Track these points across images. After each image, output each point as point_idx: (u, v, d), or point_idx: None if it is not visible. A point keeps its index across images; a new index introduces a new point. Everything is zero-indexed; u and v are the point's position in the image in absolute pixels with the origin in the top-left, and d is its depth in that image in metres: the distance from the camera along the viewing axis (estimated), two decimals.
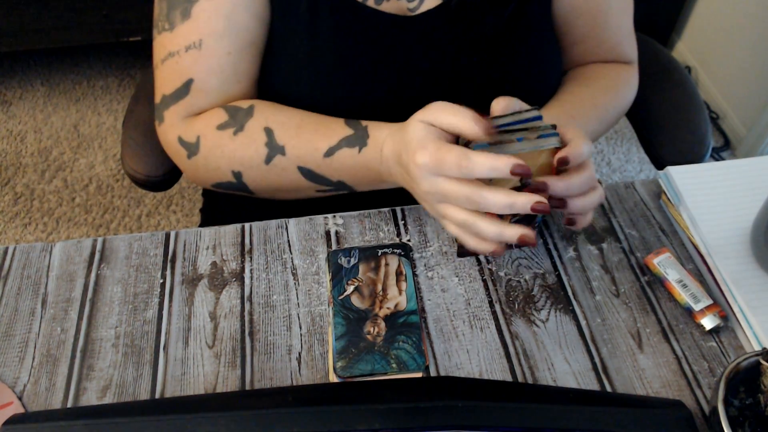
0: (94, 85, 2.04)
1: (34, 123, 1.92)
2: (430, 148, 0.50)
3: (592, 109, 0.69)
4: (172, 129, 0.66)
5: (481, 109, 0.68)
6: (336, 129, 0.61)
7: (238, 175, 0.64)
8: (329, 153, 0.60)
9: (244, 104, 0.65)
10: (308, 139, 0.61)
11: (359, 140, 0.60)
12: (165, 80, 0.65)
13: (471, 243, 0.53)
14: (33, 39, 1.84)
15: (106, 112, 1.95)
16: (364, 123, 0.61)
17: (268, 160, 0.62)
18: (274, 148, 0.62)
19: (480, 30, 0.66)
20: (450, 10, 0.65)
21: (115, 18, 1.82)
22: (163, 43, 0.64)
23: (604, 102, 0.71)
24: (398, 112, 0.68)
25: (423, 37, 0.66)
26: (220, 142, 0.63)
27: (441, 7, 0.65)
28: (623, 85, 0.75)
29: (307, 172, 0.62)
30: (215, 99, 0.65)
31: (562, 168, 0.52)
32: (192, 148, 0.65)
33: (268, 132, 0.62)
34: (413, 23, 0.65)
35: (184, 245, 0.65)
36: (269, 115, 0.63)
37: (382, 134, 0.59)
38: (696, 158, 0.80)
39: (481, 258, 0.64)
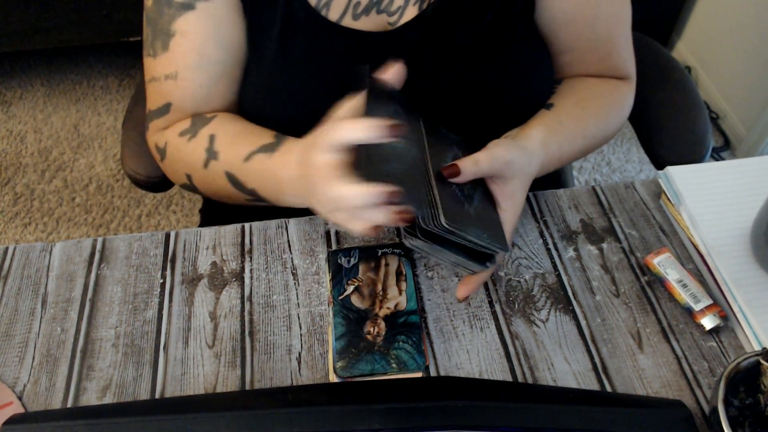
0: (94, 85, 2.04)
1: (34, 123, 1.92)
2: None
3: (581, 139, 0.68)
4: (152, 137, 0.71)
5: (464, 119, 0.68)
6: (262, 138, 0.63)
7: (189, 177, 0.68)
8: (248, 158, 0.62)
9: (210, 114, 0.68)
10: (238, 145, 0.63)
11: (273, 147, 0.61)
12: (150, 98, 0.70)
13: (358, 226, 0.50)
14: (33, 39, 1.84)
15: (106, 112, 1.95)
16: (288, 136, 0.62)
17: (206, 164, 0.65)
18: (211, 153, 0.64)
19: (456, 40, 0.65)
20: (426, 20, 0.64)
21: (115, 18, 1.82)
22: (148, 66, 0.69)
23: (594, 132, 0.70)
24: None
25: (400, 50, 0.65)
26: (179, 146, 0.67)
27: (417, 19, 0.65)
28: (616, 111, 0.73)
29: (231, 177, 0.64)
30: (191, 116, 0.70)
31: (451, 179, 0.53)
32: (162, 153, 0.70)
33: (211, 138, 0.65)
34: (389, 38, 0.65)
35: (184, 245, 0.65)
36: (221, 124, 0.66)
37: (293, 143, 0.59)
38: (696, 158, 0.80)
39: None
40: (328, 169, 0.49)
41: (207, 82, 0.67)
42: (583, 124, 0.68)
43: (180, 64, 0.65)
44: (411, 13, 0.65)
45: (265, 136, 0.63)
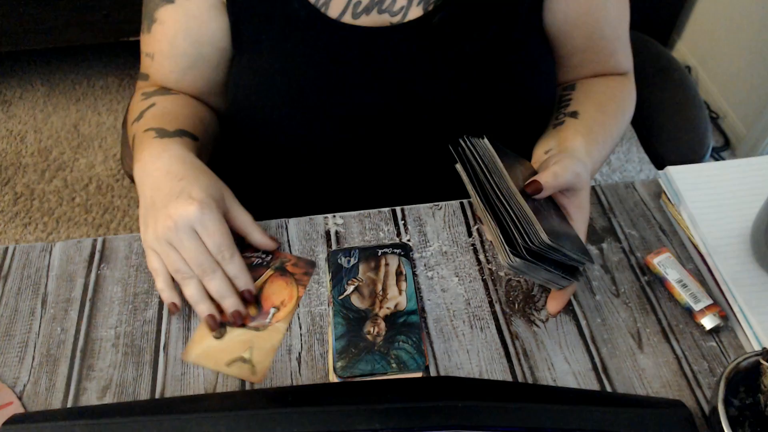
0: (94, 85, 2.04)
1: (34, 123, 1.92)
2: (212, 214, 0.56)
3: (610, 140, 0.69)
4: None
5: (463, 123, 0.68)
6: (164, 123, 0.65)
7: (127, 126, 0.73)
8: (149, 130, 0.65)
9: (175, 90, 0.72)
10: (152, 121, 0.66)
11: (164, 134, 0.64)
12: (140, 63, 0.75)
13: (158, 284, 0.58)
14: (33, 39, 1.84)
15: (106, 112, 1.95)
16: (174, 142, 0.63)
17: (135, 120, 0.68)
18: (141, 115, 0.68)
19: (461, 49, 0.65)
20: (431, 22, 0.64)
21: (115, 18, 1.82)
22: (140, 39, 0.74)
23: (617, 132, 0.71)
24: (376, 126, 0.68)
25: (402, 50, 0.65)
26: (134, 101, 0.72)
27: (422, 20, 0.65)
28: (629, 107, 0.74)
29: (133, 139, 0.67)
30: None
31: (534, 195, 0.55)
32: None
33: (151, 105, 0.69)
34: (390, 35, 0.65)
35: None
36: (168, 100, 0.70)
37: (176, 147, 0.61)
38: (696, 158, 0.80)
39: (481, 258, 0.64)
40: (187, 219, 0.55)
41: (175, 70, 0.71)
42: (608, 127, 0.69)
43: (156, 48, 0.70)
44: (415, 13, 0.65)
45: (174, 124, 0.65)
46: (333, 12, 0.64)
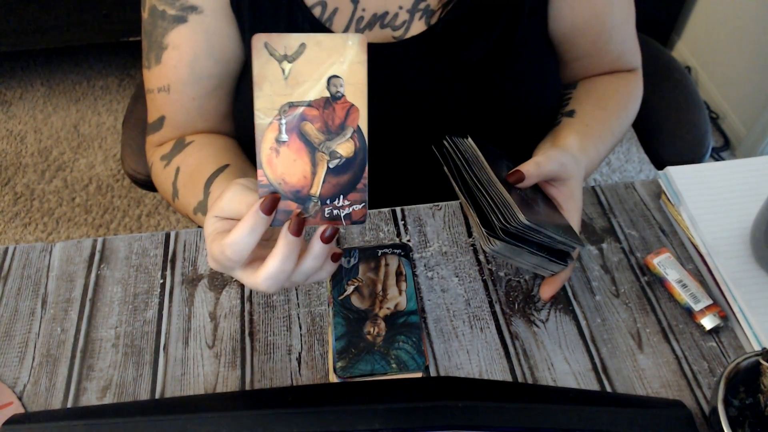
0: (94, 85, 2.04)
1: (34, 123, 1.92)
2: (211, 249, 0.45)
3: (610, 136, 0.69)
4: (148, 151, 0.73)
5: (471, 134, 0.68)
6: (197, 189, 0.61)
7: (169, 202, 0.69)
8: (195, 211, 0.63)
9: (189, 138, 0.68)
10: (188, 192, 0.63)
11: (203, 208, 0.61)
12: (149, 111, 0.71)
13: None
14: (33, 39, 1.85)
15: (106, 112, 1.95)
16: (211, 190, 0.60)
17: (173, 198, 0.66)
18: (175, 190, 0.66)
19: (466, 56, 0.65)
20: (435, 36, 0.64)
21: (115, 18, 1.82)
22: (144, 78, 0.69)
23: (619, 127, 0.71)
24: (382, 141, 0.68)
25: (407, 64, 0.65)
26: (157, 171, 0.69)
27: (426, 33, 0.64)
28: (632, 103, 0.75)
29: (191, 219, 0.66)
30: (184, 132, 0.70)
31: (517, 185, 0.55)
32: (150, 171, 0.73)
33: (177, 172, 0.66)
34: (397, 51, 0.65)
35: (184, 245, 0.65)
36: (187, 155, 0.66)
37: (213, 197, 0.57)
38: (696, 158, 0.80)
39: (481, 258, 0.64)
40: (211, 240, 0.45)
41: (200, 96, 0.67)
42: (608, 123, 0.70)
43: (172, 77, 0.65)
44: (417, 28, 0.64)
45: (199, 185, 0.61)
46: (337, 27, 0.64)
